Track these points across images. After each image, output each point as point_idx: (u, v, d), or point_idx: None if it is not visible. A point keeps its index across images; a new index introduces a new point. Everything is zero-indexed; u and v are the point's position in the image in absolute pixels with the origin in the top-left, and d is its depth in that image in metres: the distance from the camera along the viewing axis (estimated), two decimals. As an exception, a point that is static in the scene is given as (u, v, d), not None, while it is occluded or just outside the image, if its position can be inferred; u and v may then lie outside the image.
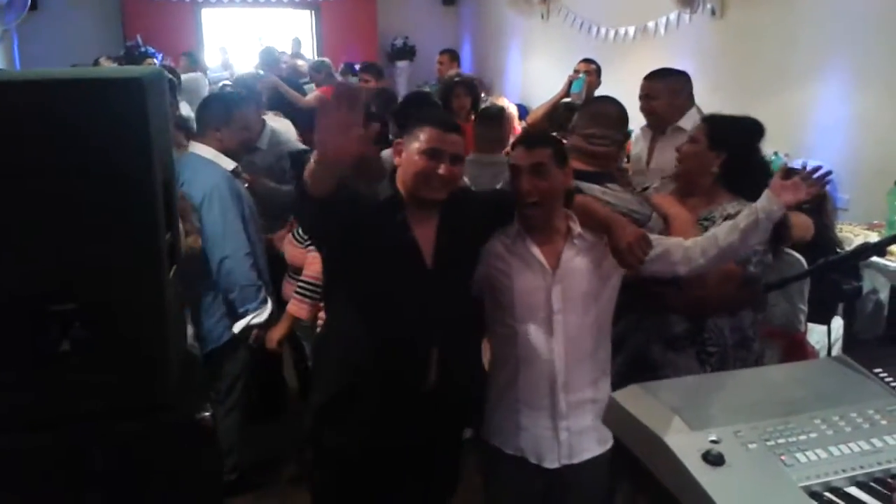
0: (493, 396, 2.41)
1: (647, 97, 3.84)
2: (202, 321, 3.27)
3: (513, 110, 5.83)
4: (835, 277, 2.21)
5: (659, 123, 3.83)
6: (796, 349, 3.04)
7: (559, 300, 2.28)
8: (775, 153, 5.30)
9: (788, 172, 2.30)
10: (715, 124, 2.74)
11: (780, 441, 1.39)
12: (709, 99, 4.81)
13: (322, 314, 2.90)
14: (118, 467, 1.64)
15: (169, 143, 1.92)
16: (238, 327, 3.24)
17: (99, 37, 11.14)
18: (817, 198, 3.52)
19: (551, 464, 2.32)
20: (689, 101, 3.93)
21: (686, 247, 2.34)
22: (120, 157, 1.60)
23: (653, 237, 2.33)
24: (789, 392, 1.52)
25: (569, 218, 2.34)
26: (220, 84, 8.63)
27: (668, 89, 3.85)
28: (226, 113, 3.43)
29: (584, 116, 2.98)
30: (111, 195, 1.60)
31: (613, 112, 2.96)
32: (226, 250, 3.19)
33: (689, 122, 3.73)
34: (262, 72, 7.93)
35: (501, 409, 2.38)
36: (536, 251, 2.30)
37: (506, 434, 2.37)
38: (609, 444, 2.30)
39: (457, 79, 5.53)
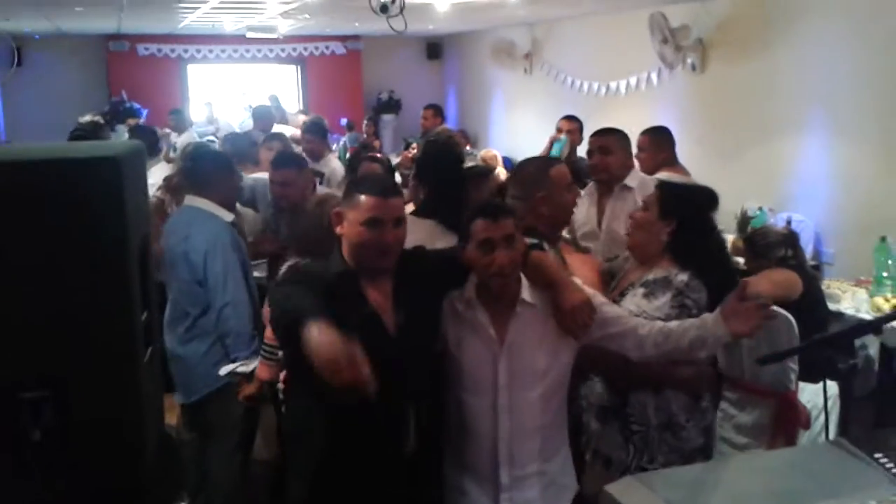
0: (446, 457, 2.37)
1: (600, 151, 3.75)
2: (200, 365, 3.36)
3: (502, 173, 5.84)
4: (829, 354, 2.17)
5: (609, 180, 3.74)
6: (787, 409, 3.00)
7: (505, 374, 2.23)
8: (759, 207, 5.33)
9: (742, 294, 2.23)
10: (667, 192, 2.74)
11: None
12: (691, 152, 4.86)
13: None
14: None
15: (146, 217, 1.88)
16: (224, 371, 3.24)
17: (84, 92, 11.16)
18: (791, 244, 3.57)
19: None
20: (631, 160, 3.94)
21: (642, 335, 2.28)
22: (95, 237, 1.55)
23: (615, 315, 2.31)
24: (788, 481, 1.48)
25: (518, 281, 2.27)
26: (206, 138, 8.65)
27: (619, 145, 3.80)
28: (226, 169, 3.64)
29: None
30: (85, 276, 1.55)
31: (529, 169, 2.96)
32: (227, 297, 3.32)
33: (633, 180, 3.73)
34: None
35: (450, 471, 2.35)
36: (486, 320, 2.25)
37: (453, 498, 2.33)
38: None
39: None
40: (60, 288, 1.54)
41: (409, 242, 2.37)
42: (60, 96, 10.76)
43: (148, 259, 1.82)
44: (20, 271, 1.51)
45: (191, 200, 3.53)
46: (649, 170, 4.19)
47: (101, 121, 7.98)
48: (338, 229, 2.23)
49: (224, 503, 3.50)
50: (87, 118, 7.74)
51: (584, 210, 3.76)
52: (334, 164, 5.74)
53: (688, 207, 2.67)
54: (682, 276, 2.55)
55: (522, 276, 2.27)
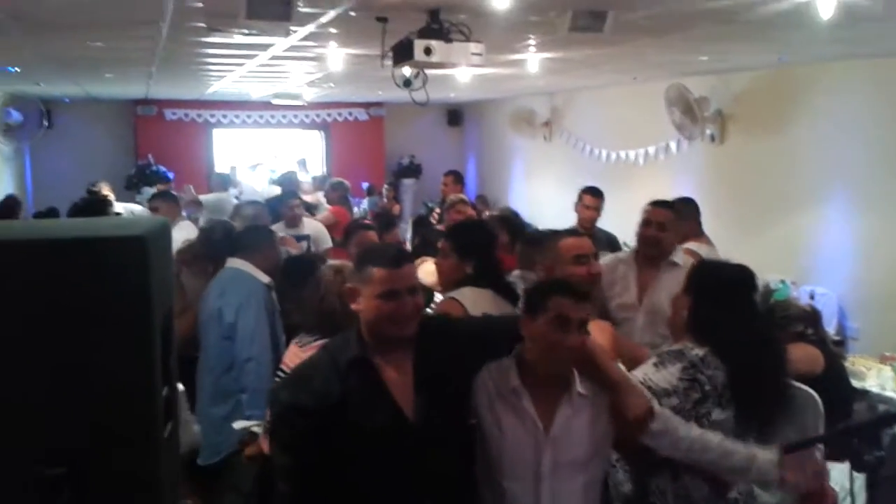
0: None
1: (658, 225, 3.65)
2: (224, 427, 3.42)
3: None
4: (856, 446, 2.13)
5: (659, 256, 3.64)
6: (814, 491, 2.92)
7: (549, 464, 2.16)
8: (781, 280, 5.29)
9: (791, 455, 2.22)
10: (694, 267, 2.75)
11: None
12: (710, 224, 4.85)
13: None
14: None
15: (170, 293, 1.89)
16: (237, 425, 3.27)
17: (112, 154, 11.40)
18: (813, 322, 3.50)
19: None
20: (680, 236, 3.92)
21: (680, 436, 2.24)
22: (119, 315, 1.56)
23: (660, 409, 2.26)
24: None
25: (570, 371, 2.22)
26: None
27: (674, 221, 3.75)
28: (267, 238, 3.95)
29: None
30: (108, 353, 1.56)
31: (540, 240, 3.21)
32: (252, 352, 3.47)
33: (679, 257, 3.66)
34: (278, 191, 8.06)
35: None
36: (531, 407, 2.18)
37: None
38: None
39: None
40: (83, 364, 1.54)
41: (477, 312, 2.33)
42: (88, 158, 10.98)
43: (170, 334, 1.83)
44: (43, 347, 1.52)
45: (232, 262, 3.79)
46: (679, 239, 4.19)
47: (110, 197, 7.96)
48: (353, 306, 2.19)
49: None
50: (99, 188, 7.83)
51: (615, 277, 3.66)
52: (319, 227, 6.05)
53: (708, 281, 2.63)
54: (698, 351, 2.49)
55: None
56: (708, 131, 6.64)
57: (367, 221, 6.13)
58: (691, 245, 4.25)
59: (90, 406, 1.54)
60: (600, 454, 2.26)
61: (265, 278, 3.76)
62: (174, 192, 7.86)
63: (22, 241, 1.56)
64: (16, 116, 8.75)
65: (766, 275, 5.34)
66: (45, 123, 9.07)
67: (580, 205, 5.19)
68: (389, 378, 2.14)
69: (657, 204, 3.74)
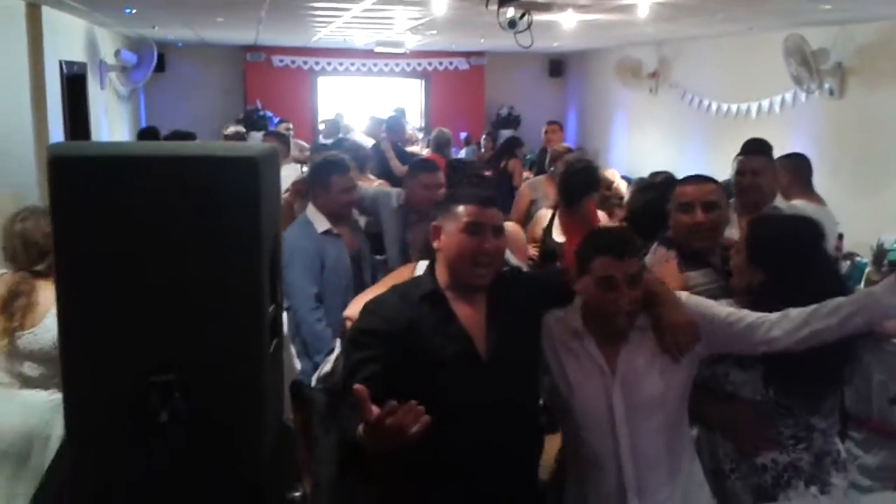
0: (565, 496, 2.27)
1: (753, 173, 3.51)
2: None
3: (621, 184, 5.77)
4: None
5: (760, 201, 3.48)
6: None
7: (621, 407, 2.11)
8: (897, 241, 5.02)
9: None
10: (756, 235, 2.49)
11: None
12: (826, 183, 4.63)
13: None
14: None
15: (277, 216, 1.95)
16: (314, 380, 3.28)
17: (221, 100, 11.76)
18: None
19: None
20: (778, 183, 3.71)
21: (770, 323, 2.12)
22: (231, 232, 1.62)
23: (733, 311, 2.17)
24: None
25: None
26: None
27: (770, 166, 3.64)
28: (324, 178, 3.72)
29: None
30: (219, 269, 1.62)
31: None
32: (293, 303, 3.43)
33: (782, 204, 3.58)
34: (367, 138, 8.10)
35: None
36: (595, 350, 2.15)
37: None
38: None
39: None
40: (195, 279, 1.60)
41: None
42: (199, 102, 11.38)
43: (278, 255, 1.89)
44: (159, 264, 1.59)
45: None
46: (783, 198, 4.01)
47: (244, 130, 8.35)
48: (435, 244, 2.19)
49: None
50: (231, 129, 8.10)
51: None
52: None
53: (766, 247, 2.43)
54: None
55: None
56: (826, 85, 6.30)
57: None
58: (797, 202, 4.07)
59: (201, 318, 1.62)
60: (675, 384, 2.18)
61: (322, 226, 3.64)
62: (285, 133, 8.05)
63: (138, 157, 1.63)
64: (129, 58, 9.09)
65: (883, 234, 5.08)
66: (154, 66, 9.36)
67: None
68: (461, 312, 2.15)
69: (748, 150, 3.70)
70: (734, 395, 2.37)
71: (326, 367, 3.27)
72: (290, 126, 9.59)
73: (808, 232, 2.50)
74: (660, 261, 2.80)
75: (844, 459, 2.47)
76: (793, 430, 2.35)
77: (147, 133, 7.94)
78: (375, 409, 1.74)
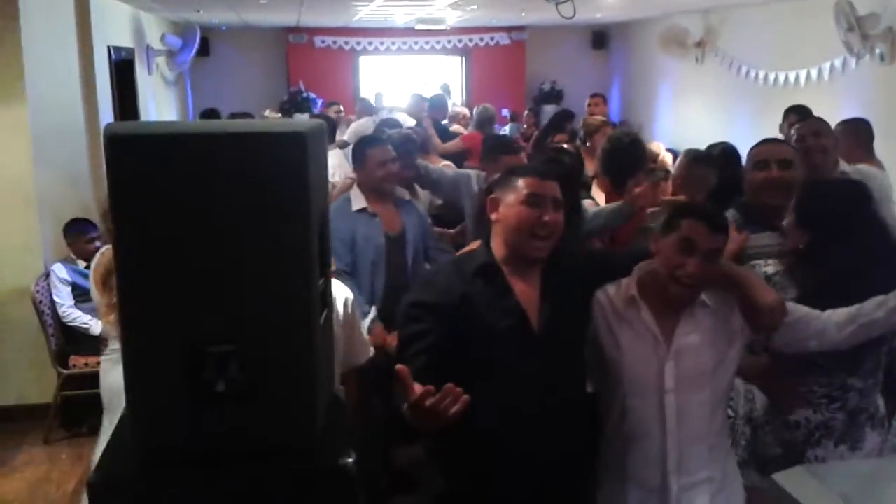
0: (601, 469, 2.28)
1: (815, 135, 3.42)
2: None
3: (667, 157, 5.69)
4: None
5: (821, 167, 3.37)
6: None
7: (672, 378, 2.12)
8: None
9: None
10: (806, 194, 2.52)
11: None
12: (878, 149, 4.52)
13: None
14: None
15: (325, 192, 1.99)
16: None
17: (265, 82, 11.87)
18: None
19: None
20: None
21: (821, 319, 2.15)
22: (280, 206, 1.66)
23: (788, 304, 2.17)
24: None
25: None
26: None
27: (829, 128, 3.55)
28: (360, 153, 3.74)
29: None
30: (270, 243, 1.66)
31: None
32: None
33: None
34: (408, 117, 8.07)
35: (609, 483, 2.24)
36: (650, 321, 2.14)
37: None
38: None
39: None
40: (248, 253, 1.65)
41: None
42: (243, 85, 11.52)
43: (326, 230, 1.93)
44: (213, 237, 1.64)
45: None
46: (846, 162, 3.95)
47: (279, 115, 8.42)
48: (493, 216, 2.19)
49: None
50: (267, 113, 8.21)
51: None
52: None
53: (816, 209, 2.46)
54: (768, 269, 2.45)
55: None
56: (877, 50, 6.13)
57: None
58: (861, 167, 4.00)
59: (255, 291, 1.66)
60: (726, 363, 2.18)
61: (359, 203, 3.65)
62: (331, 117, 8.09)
63: (190, 134, 1.68)
64: (175, 42, 9.23)
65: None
66: (198, 47, 9.48)
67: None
68: (516, 286, 2.15)
69: (800, 114, 3.61)
70: (771, 351, 2.38)
71: (372, 313, 3.39)
72: (341, 108, 9.60)
73: (856, 195, 2.51)
74: None
75: (883, 416, 2.47)
76: (827, 390, 2.38)
77: (209, 114, 8.30)
78: (418, 388, 1.76)
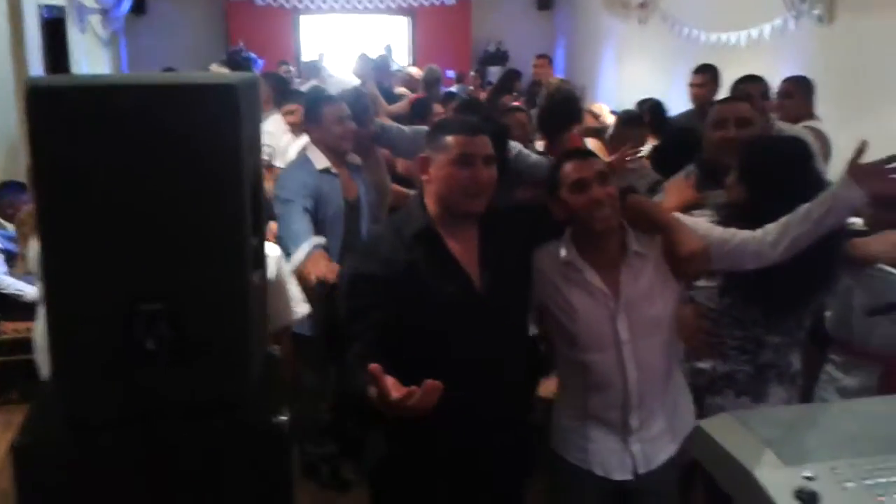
0: (559, 408, 2.35)
1: (739, 122, 3.28)
2: None
3: (608, 117, 5.74)
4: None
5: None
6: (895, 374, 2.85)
7: (626, 330, 2.18)
8: (885, 167, 5.04)
9: (862, 151, 2.10)
10: (745, 152, 2.55)
11: (881, 481, 1.29)
12: (818, 110, 4.61)
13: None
14: (191, 467, 1.67)
15: (259, 148, 1.94)
16: (291, 266, 3.27)
17: (203, 41, 11.55)
18: None
19: (622, 476, 2.25)
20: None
21: (757, 239, 2.22)
22: (211, 161, 1.62)
23: (726, 230, 2.24)
24: (892, 427, 1.42)
25: (623, 232, 2.21)
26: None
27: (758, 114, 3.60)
28: (315, 110, 3.65)
29: None
30: (200, 199, 1.63)
31: None
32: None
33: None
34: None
35: (567, 419, 2.32)
36: (596, 279, 2.19)
37: (571, 445, 2.30)
38: (683, 434, 2.26)
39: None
40: (178, 209, 1.61)
41: None
42: (181, 44, 11.18)
43: (260, 188, 1.89)
44: (140, 192, 1.59)
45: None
46: (792, 119, 4.02)
47: (227, 70, 8.19)
48: (423, 177, 2.16)
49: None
50: (213, 67, 7.98)
51: None
52: None
53: (758, 163, 2.49)
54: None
55: (627, 225, 2.22)
56: (815, 11, 6.22)
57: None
58: (812, 123, 4.10)
59: (185, 248, 1.63)
60: (670, 306, 2.25)
61: (321, 163, 3.57)
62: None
63: (115, 86, 1.62)
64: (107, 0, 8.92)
65: (872, 159, 5.10)
66: (131, 5, 9.13)
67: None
68: (455, 249, 2.14)
69: (730, 99, 3.35)
70: (690, 299, 2.45)
71: (300, 254, 3.24)
72: (291, 69, 9.38)
73: (796, 152, 2.55)
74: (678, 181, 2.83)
75: (795, 373, 2.54)
76: (740, 342, 2.46)
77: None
78: (390, 381, 1.68)
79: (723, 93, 5.01)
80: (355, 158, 3.81)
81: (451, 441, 2.15)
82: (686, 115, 5.50)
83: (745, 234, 2.26)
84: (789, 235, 2.18)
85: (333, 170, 3.58)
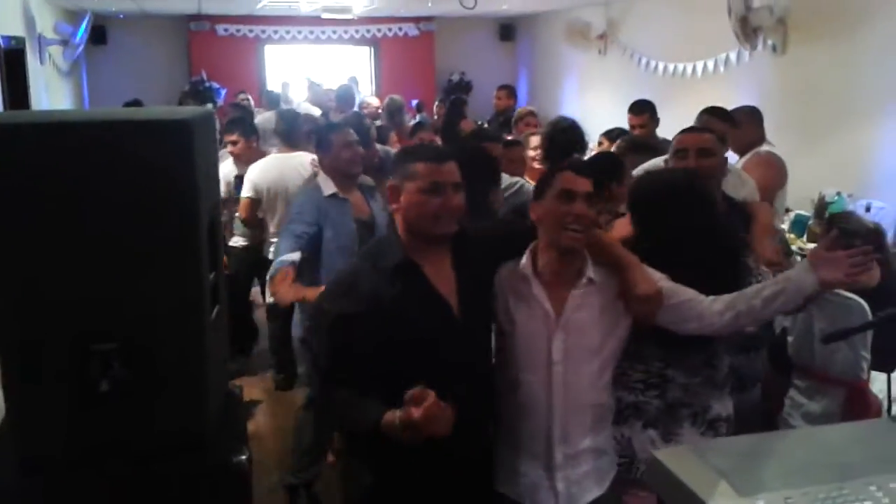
0: (496, 439, 2.35)
1: (699, 153, 3.11)
2: None
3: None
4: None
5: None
6: (858, 398, 2.90)
7: (560, 351, 2.18)
8: (838, 193, 5.15)
9: (834, 241, 2.09)
10: (634, 185, 2.59)
11: (834, 509, 1.31)
12: (771, 139, 4.71)
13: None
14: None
15: (216, 184, 1.94)
16: (275, 264, 3.44)
17: (166, 71, 11.47)
18: (875, 237, 3.36)
19: None
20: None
21: (703, 304, 2.21)
22: (166, 197, 1.61)
23: (676, 285, 2.24)
24: (845, 455, 1.44)
25: (583, 258, 2.22)
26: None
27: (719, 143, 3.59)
28: (324, 138, 3.82)
29: None
30: (156, 236, 1.62)
31: None
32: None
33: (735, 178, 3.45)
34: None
35: (503, 452, 2.32)
36: (542, 293, 2.20)
37: (506, 479, 2.30)
38: (609, 480, 2.27)
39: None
40: (133, 245, 1.60)
41: None
42: (143, 74, 11.09)
43: (217, 224, 1.88)
44: (95, 230, 1.58)
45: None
46: (743, 147, 4.10)
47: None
48: (393, 206, 2.18)
49: None
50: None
51: None
52: None
53: (642, 196, 2.51)
54: None
55: (588, 254, 2.23)
56: (769, 41, 6.39)
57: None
58: (765, 148, 4.21)
59: (140, 285, 1.61)
60: (613, 339, 2.26)
61: (329, 189, 3.67)
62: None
63: (69, 123, 1.61)
64: (67, 30, 8.84)
65: (823, 187, 5.21)
66: (88, 31, 9.02)
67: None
68: (432, 276, 2.16)
69: (693, 129, 3.20)
70: None
71: (293, 255, 3.40)
72: (249, 97, 9.39)
73: (671, 179, 2.58)
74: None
75: (715, 419, 2.47)
76: (643, 376, 2.42)
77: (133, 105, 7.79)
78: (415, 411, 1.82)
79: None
80: (367, 179, 3.95)
81: (422, 467, 2.14)
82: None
83: (693, 293, 2.24)
84: (735, 308, 2.16)
85: (341, 194, 3.69)
